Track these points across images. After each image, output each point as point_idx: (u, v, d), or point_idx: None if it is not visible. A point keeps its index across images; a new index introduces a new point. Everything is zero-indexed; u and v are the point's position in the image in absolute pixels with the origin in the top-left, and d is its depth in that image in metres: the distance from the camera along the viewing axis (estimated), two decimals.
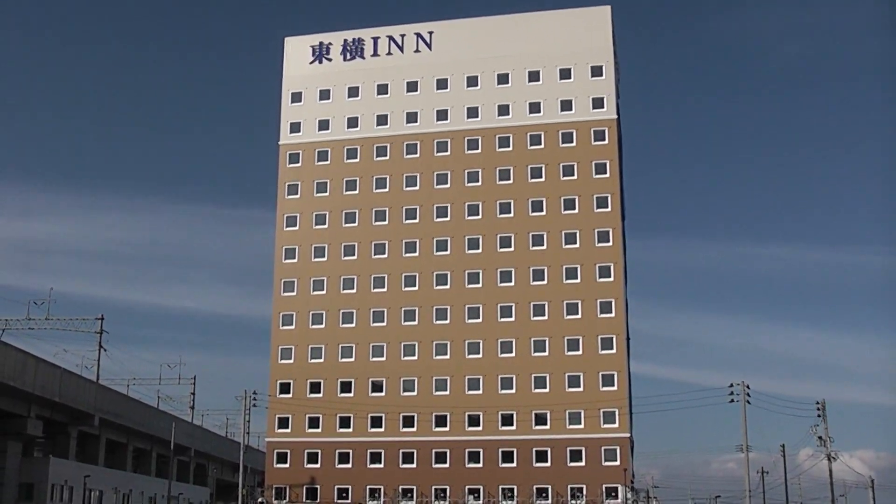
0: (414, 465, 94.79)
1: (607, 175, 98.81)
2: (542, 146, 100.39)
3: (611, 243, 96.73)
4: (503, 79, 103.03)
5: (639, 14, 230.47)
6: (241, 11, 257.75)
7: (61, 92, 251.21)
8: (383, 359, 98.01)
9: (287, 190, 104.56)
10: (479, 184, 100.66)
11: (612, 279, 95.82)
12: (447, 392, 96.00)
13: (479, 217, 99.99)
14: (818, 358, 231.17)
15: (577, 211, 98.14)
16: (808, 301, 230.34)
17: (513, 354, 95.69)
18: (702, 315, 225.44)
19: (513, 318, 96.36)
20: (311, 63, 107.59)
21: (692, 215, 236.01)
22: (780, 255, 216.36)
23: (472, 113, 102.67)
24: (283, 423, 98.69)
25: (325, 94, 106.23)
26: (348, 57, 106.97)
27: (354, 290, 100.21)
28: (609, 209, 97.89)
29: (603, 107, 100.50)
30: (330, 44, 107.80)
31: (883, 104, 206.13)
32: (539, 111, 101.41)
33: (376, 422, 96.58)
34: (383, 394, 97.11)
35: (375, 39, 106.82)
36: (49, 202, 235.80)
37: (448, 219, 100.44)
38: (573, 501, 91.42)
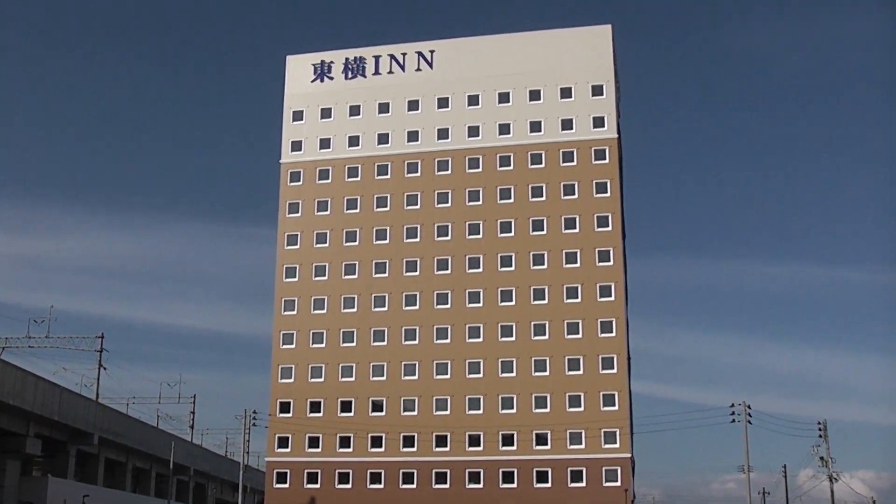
0: (414, 486, 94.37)
1: (608, 194, 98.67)
2: (543, 165, 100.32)
3: (611, 262, 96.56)
4: (504, 98, 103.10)
5: (640, 32, 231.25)
6: (244, 29, 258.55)
7: (63, 108, 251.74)
8: (384, 378, 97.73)
9: (288, 208, 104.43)
10: (480, 203, 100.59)
11: (612, 298, 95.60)
12: (447, 412, 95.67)
13: (480, 236, 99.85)
14: (820, 377, 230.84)
15: (577, 230, 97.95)
16: (811, 319, 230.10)
17: (513, 374, 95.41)
18: (703, 334, 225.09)
19: (513, 338, 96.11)
20: (313, 81, 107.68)
21: (694, 233, 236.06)
22: (782, 273, 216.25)
23: (473, 132, 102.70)
24: (283, 442, 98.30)
25: (326, 113, 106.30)
26: (350, 75, 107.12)
27: (355, 309, 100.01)
28: (610, 228, 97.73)
29: (604, 126, 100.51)
30: (332, 62, 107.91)
31: (886, 119, 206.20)
32: (540, 130, 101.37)
33: (376, 441, 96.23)
34: (383, 413, 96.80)
35: (377, 58, 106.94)
36: (51, 219, 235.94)
37: (449, 238, 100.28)
38: None
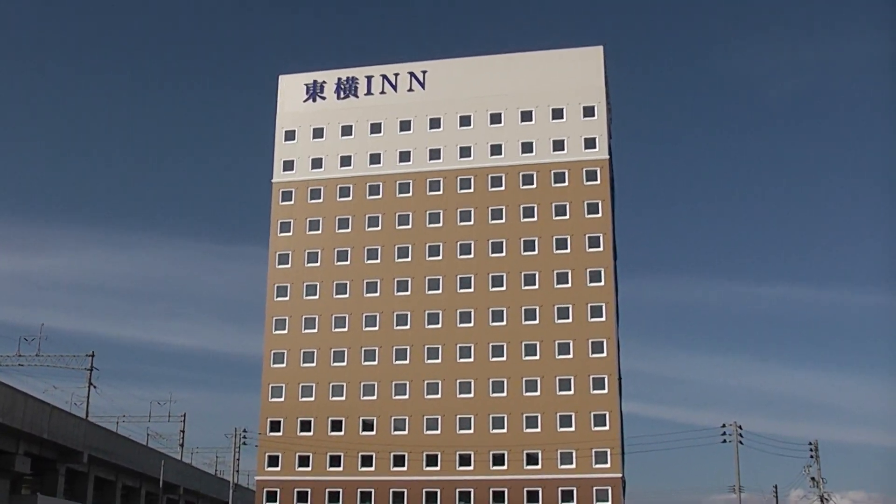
0: None
1: (599, 215, 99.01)
2: (535, 186, 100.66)
3: (603, 283, 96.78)
4: (496, 118, 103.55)
5: (631, 53, 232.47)
6: (236, 48, 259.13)
7: (56, 126, 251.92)
8: (374, 398, 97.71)
9: (279, 227, 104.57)
10: (472, 223, 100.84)
11: (603, 319, 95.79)
12: (438, 431, 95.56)
13: (472, 256, 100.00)
14: (811, 397, 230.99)
15: (569, 250, 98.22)
16: (802, 340, 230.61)
17: (504, 394, 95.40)
18: (695, 354, 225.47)
19: (504, 358, 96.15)
20: (305, 101, 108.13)
21: (685, 254, 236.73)
22: (774, 293, 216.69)
23: (465, 152, 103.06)
24: (273, 461, 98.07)
25: (318, 133, 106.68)
26: (342, 95, 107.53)
27: (346, 329, 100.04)
28: (601, 249, 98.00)
29: (595, 147, 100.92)
30: (324, 82, 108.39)
31: (875, 141, 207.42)
32: (531, 151, 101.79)
33: (367, 461, 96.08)
34: (374, 433, 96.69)
35: (369, 78, 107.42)
36: (43, 236, 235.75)
37: (440, 258, 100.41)
38: None
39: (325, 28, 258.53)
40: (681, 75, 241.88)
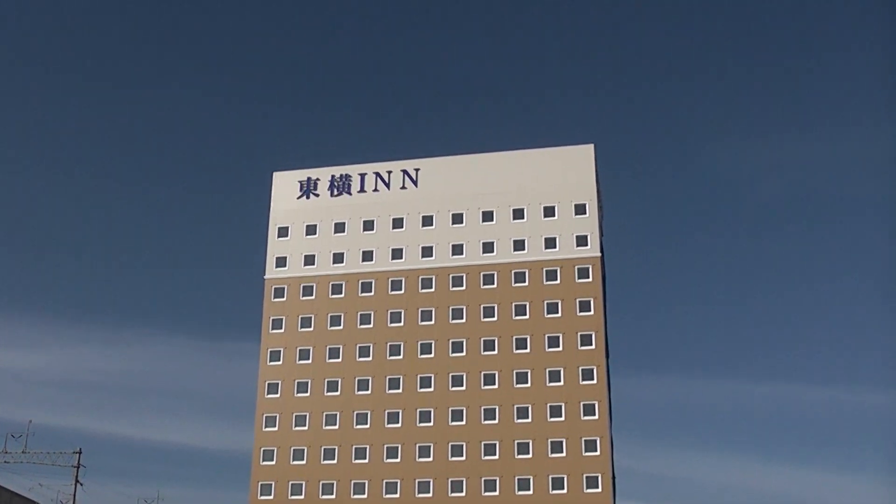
0: None
1: (591, 312, 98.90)
2: (527, 284, 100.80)
3: (595, 381, 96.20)
4: (488, 216, 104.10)
5: (622, 151, 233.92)
6: (231, 145, 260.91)
7: (47, 224, 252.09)
8: (364, 496, 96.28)
9: (271, 324, 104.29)
10: (464, 320, 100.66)
11: (596, 417, 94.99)
12: None
13: (464, 354, 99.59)
14: (809, 499, 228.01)
15: (561, 348, 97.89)
16: (801, 440, 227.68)
17: (496, 493, 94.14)
18: (692, 453, 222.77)
19: (496, 456, 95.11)
20: (299, 198, 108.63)
21: (679, 352, 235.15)
22: (772, 392, 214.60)
23: (458, 250, 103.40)
24: None
25: (311, 229, 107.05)
26: (335, 192, 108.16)
27: (337, 426, 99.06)
28: (593, 347, 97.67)
29: (587, 244, 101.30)
30: (317, 179, 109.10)
31: (873, 240, 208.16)
32: (523, 249, 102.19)
33: None
34: None
35: (363, 176, 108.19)
36: (32, 333, 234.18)
37: (432, 355, 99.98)
38: None
39: (319, 125, 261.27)
40: (673, 171, 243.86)
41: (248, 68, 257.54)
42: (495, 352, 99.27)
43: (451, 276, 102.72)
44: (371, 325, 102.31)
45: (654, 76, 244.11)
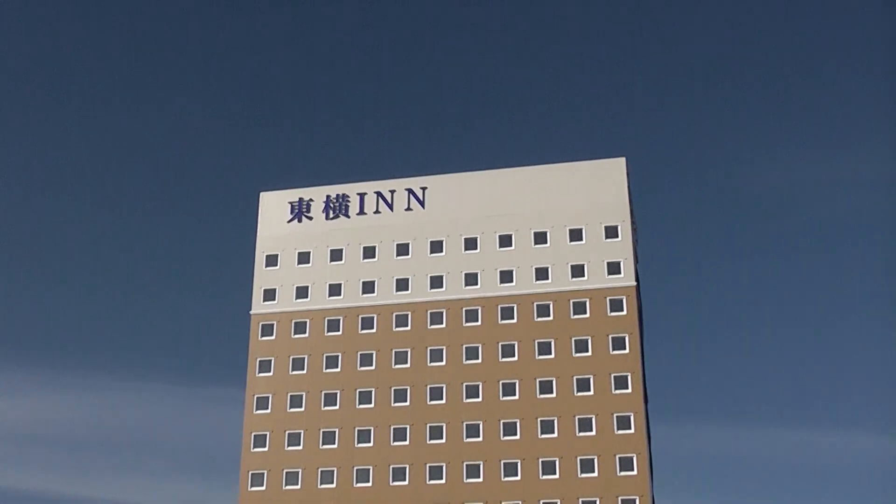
0: None
1: (626, 350, 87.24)
2: (551, 318, 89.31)
3: (633, 430, 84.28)
4: (505, 241, 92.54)
5: (655, 166, 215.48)
6: (212, 162, 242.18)
7: (17, 261, 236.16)
8: None
9: (258, 366, 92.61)
10: (479, 361, 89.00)
11: (635, 472, 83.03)
12: None
13: (479, 400, 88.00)
14: None
15: (591, 392, 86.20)
16: (853, 490, 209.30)
17: None
18: None
19: None
20: (290, 221, 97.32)
21: (726, 394, 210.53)
22: (843, 442, 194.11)
23: (471, 280, 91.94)
24: None
25: (304, 257, 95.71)
26: (331, 215, 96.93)
27: (334, 485, 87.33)
28: (629, 390, 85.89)
29: (620, 272, 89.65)
30: (311, 200, 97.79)
31: None
32: (547, 277, 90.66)
33: None
34: None
35: (362, 196, 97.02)
36: None
37: (443, 401, 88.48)
38: None
39: (313, 138, 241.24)
40: (713, 190, 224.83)
41: (232, 72, 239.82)
42: (516, 397, 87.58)
43: (464, 309, 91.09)
44: (373, 367, 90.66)
45: (691, 84, 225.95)
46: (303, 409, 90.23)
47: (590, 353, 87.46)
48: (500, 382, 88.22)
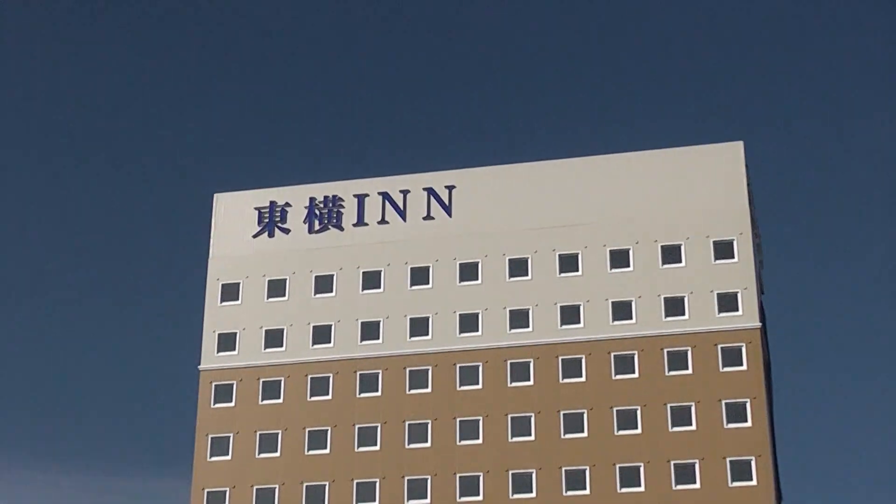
0: None
1: (748, 424, 61.12)
2: (636, 374, 63.59)
3: None
4: (569, 263, 66.37)
5: (778, 155, 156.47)
6: (148, 151, 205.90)
7: None
8: None
9: (210, 448, 66.39)
10: (532, 438, 63.47)
11: None
12: None
13: (533, 495, 62.22)
14: None
15: (698, 486, 60.68)
16: None
17: None
18: None
19: None
20: (256, 235, 72.01)
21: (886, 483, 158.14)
22: None
23: (519, 320, 65.89)
24: None
25: (276, 288, 69.57)
26: (316, 225, 71.14)
27: None
28: (754, 483, 59.91)
29: (737, 309, 63.48)
30: (287, 204, 71.85)
31: None
32: (630, 317, 64.80)
33: None
34: None
35: (361, 198, 71.30)
36: None
37: (480, 498, 62.61)
38: None
39: (287, 115, 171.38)
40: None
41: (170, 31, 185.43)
42: (586, 491, 61.35)
43: (508, 362, 64.66)
44: (377, 448, 64.57)
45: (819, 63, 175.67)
46: None
47: (694, 428, 61.59)
48: (563, 470, 62.17)
